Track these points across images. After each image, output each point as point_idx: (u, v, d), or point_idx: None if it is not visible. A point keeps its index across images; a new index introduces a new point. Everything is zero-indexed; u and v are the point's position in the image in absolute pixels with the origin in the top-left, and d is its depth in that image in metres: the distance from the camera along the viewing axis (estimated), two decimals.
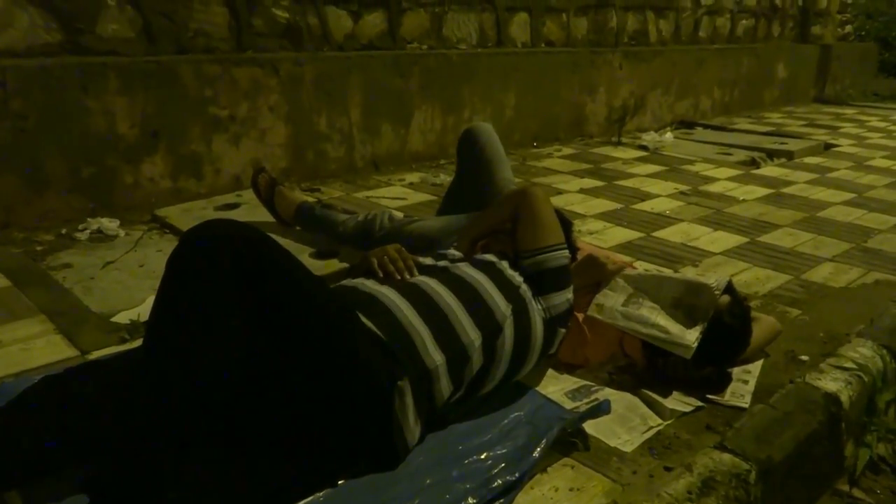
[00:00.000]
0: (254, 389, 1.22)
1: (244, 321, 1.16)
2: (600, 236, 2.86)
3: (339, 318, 1.31)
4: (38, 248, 2.49)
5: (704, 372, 1.72)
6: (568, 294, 1.64)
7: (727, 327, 1.68)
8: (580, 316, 1.78)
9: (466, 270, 1.56)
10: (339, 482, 1.27)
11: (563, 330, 1.65)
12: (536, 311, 1.57)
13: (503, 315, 1.49)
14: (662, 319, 1.70)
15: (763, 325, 1.89)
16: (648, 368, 1.75)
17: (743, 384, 1.73)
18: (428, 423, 1.40)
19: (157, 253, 2.47)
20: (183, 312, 1.15)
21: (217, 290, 1.14)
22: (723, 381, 1.74)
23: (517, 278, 1.59)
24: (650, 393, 1.66)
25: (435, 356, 1.37)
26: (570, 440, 1.46)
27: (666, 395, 1.65)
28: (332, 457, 1.30)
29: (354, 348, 1.29)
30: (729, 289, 1.75)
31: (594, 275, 1.86)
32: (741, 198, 3.60)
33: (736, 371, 1.78)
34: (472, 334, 1.43)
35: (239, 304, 1.15)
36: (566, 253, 1.67)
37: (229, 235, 1.18)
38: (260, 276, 1.17)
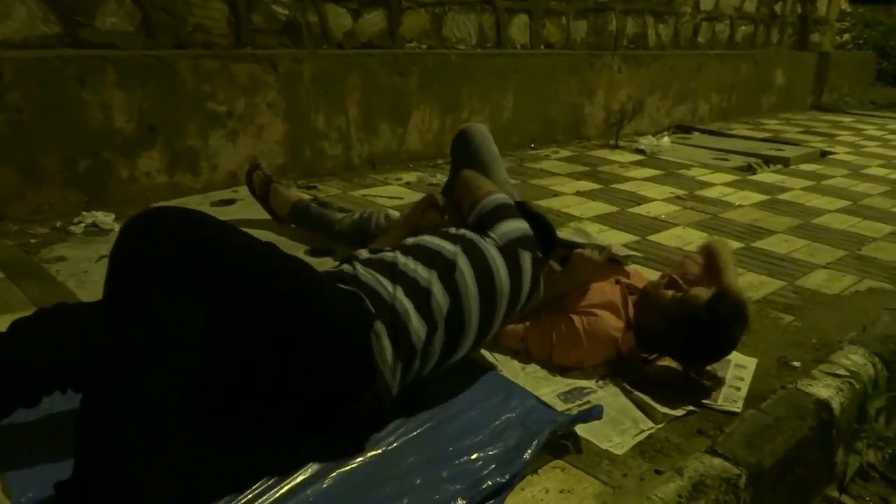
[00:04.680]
0: (227, 364, 1.21)
1: (199, 299, 1.13)
2: (596, 239, 2.86)
3: (299, 271, 1.31)
4: (33, 241, 2.49)
5: (692, 372, 1.73)
6: (518, 224, 1.63)
7: (702, 323, 1.67)
8: (576, 318, 1.78)
9: (408, 240, 1.61)
10: (332, 475, 1.27)
11: (528, 253, 1.61)
12: (487, 242, 1.58)
13: (451, 252, 1.52)
14: None
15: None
16: (641, 363, 1.78)
17: (735, 390, 1.74)
18: (411, 376, 1.42)
19: None
20: (133, 303, 1.11)
21: (163, 272, 1.11)
22: (715, 385, 1.74)
23: (461, 230, 1.62)
24: (642, 396, 1.66)
25: (402, 300, 1.40)
26: (561, 442, 1.46)
27: (658, 398, 1.66)
28: (316, 420, 1.32)
29: (320, 296, 1.31)
30: (721, 293, 1.74)
31: (583, 274, 1.87)
32: (737, 203, 3.61)
33: (729, 376, 1.79)
34: (424, 273, 1.46)
35: (190, 283, 1.12)
36: (502, 196, 1.69)
37: (165, 216, 1.16)
38: (205, 250, 1.15)
